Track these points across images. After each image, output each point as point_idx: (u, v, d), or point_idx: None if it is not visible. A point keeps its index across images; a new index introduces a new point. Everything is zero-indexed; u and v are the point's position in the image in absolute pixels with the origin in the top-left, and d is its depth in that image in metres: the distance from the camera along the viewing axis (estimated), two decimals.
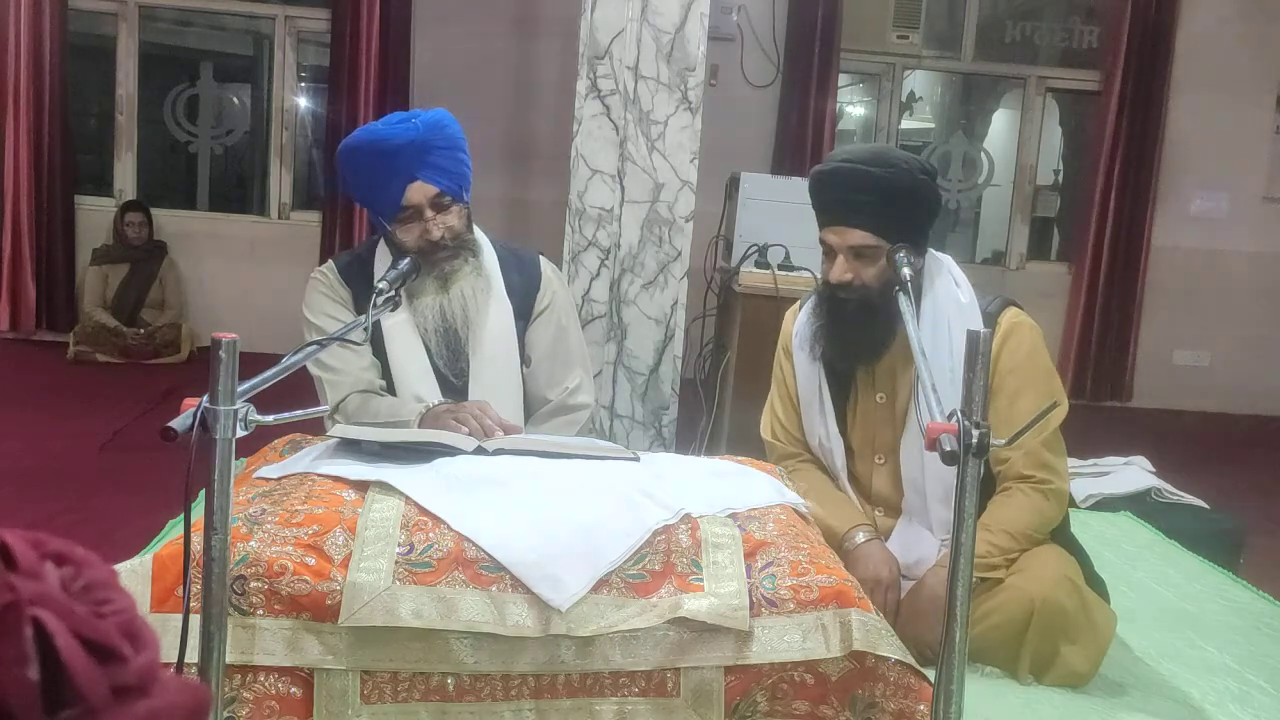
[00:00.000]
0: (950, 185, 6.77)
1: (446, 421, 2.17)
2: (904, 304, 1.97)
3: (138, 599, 1.27)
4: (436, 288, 2.30)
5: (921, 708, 1.66)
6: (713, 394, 3.98)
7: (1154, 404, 6.65)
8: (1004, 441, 1.47)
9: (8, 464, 3.72)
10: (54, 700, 0.46)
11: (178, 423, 1.31)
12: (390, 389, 2.34)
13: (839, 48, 6.42)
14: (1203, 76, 6.52)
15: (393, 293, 2.12)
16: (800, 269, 3.73)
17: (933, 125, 8.33)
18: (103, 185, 6.62)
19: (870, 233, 2.14)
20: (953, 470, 1.43)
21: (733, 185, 4.11)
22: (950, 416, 1.43)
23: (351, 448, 1.97)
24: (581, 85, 3.73)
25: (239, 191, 8.51)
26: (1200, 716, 2.05)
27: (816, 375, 2.31)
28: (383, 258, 2.36)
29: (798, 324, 2.38)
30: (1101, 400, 6.61)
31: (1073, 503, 2.41)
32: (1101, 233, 6.58)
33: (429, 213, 2.27)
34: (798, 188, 4.02)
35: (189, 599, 1.43)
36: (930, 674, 1.62)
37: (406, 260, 2.22)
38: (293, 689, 1.61)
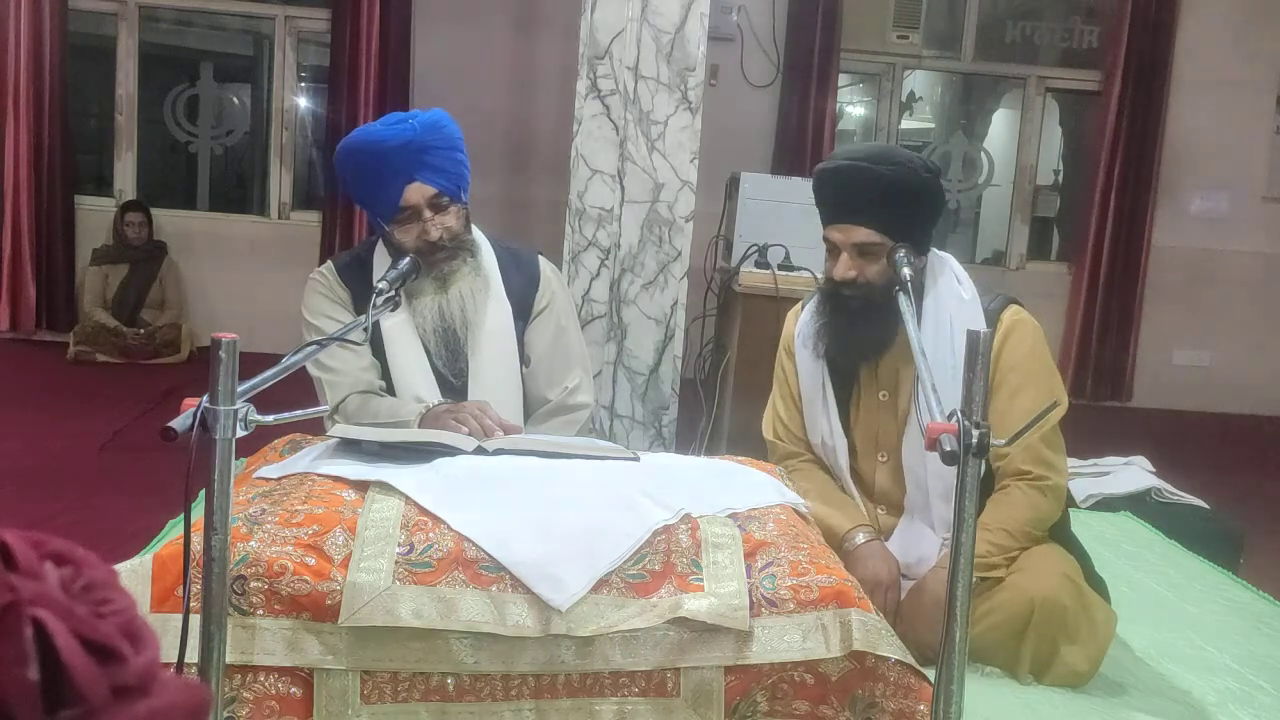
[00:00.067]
0: (950, 185, 6.77)
1: (446, 422, 2.17)
2: (904, 304, 1.98)
3: (138, 599, 1.27)
4: (435, 288, 2.30)
5: (921, 708, 1.66)
6: (713, 394, 3.98)
7: (1154, 404, 6.65)
8: (1004, 441, 1.47)
9: (8, 464, 3.72)
10: (54, 700, 0.46)
11: (178, 423, 1.31)
12: (390, 389, 2.34)
13: (839, 48, 6.42)
14: (1203, 76, 6.52)
15: (393, 293, 2.12)
16: (800, 269, 3.73)
17: (933, 125, 8.33)
18: (103, 185, 6.62)
19: (874, 230, 2.15)
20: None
21: (733, 185, 4.11)
22: (950, 416, 1.43)
23: (351, 448, 1.97)
24: (581, 85, 3.73)
25: (239, 191, 8.51)
26: (1200, 716, 2.05)
27: (820, 373, 2.32)
28: (381, 258, 2.36)
29: (800, 323, 2.38)
30: (1101, 400, 6.61)
31: (1073, 503, 2.41)
32: (1101, 233, 6.58)
33: (427, 213, 2.27)
34: (798, 188, 4.04)
35: (189, 599, 1.43)
36: (930, 674, 1.62)
37: (406, 260, 2.22)
38: (293, 689, 1.61)
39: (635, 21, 3.70)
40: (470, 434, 2.10)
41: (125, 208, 6.11)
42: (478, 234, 2.42)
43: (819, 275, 3.54)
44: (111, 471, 3.74)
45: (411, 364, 2.33)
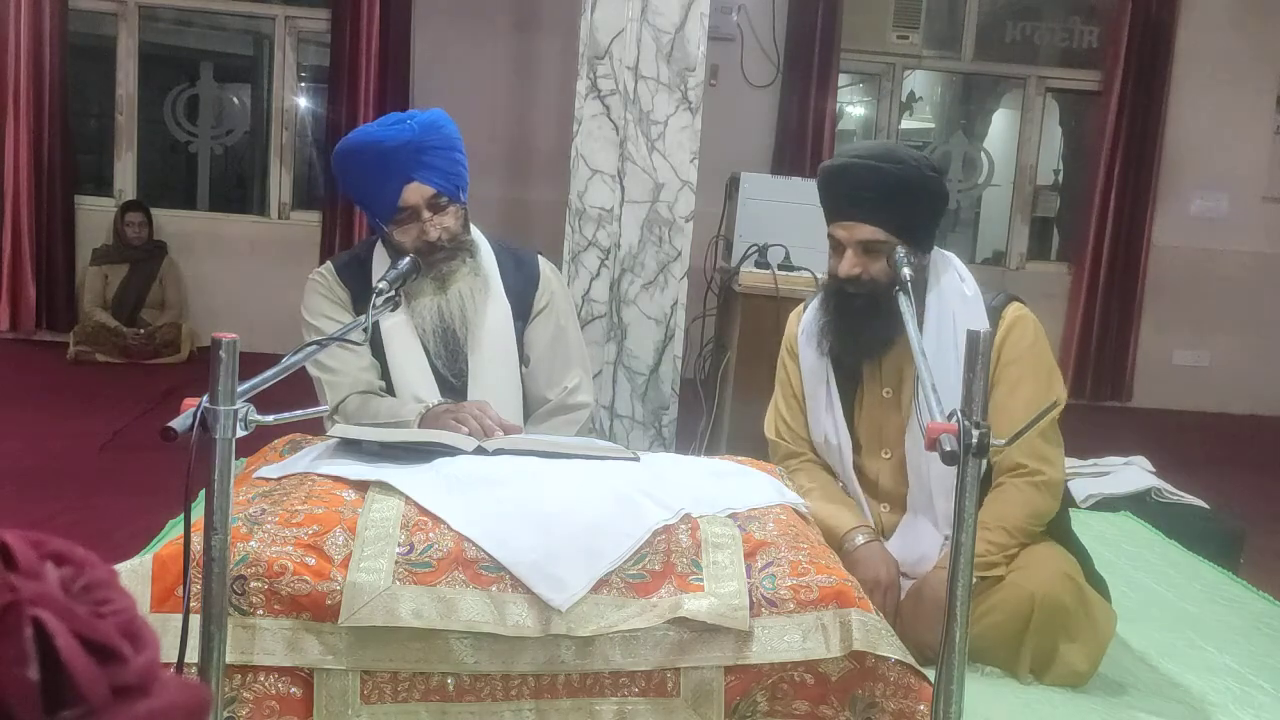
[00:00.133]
0: (950, 185, 6.77)
1: (446, 422, 2.17)
2: (903, 304, 1.99)
3: (138, 599, 1.27)
4: (434, 288, 2.30)
5: (921, 708, 1.66)
6: (713, 394, 3.98)
7: (1154, 404, 6.65)
8: (1004, 441, 1.47)
9: (8, 464, 3.72)
10: (54, 700, 0.46)
11: (178, 423, 1.31)
12: (389, 390, 2.34)
13: (839, 48, 6.42)
14: (1203, 76, 6.52)
15: (392, 293, 2.12)
16: (800, 269, 3.73)
17: (933, 125, 8.33)
18: (103, 185, 6.62)
19: (879, 228, 2.17)
20: None
21: (733, 185, 4.11)
22: (950, 416, 1.43)
23: (351, 448, 1.97)
24: (581, 85, 3.73)
25: (239, 191, 8.51)
26: (1200, 716, 2.05)
27: (824, 370, 2.32)
28: (381, 258, 2.36)
29: (803, 322, 2.39)
30: (1101, 400, 6.61)
31: (1073, 502, 2.41)
32: (1101, 233, 6.58)
33: (426, 214, 2.27)
34: (798, 188, 4.05)
35: (189, 599, 1.43)
36: (930, 674, 1.62)
37: (407, 260, 2.22)
38: (293, 689, 1.61)
39: (635, 21, 3.70)
40: (470, 434, 2.10)
41: (125, 208, 6.11)
42: (477, 234, 2.42)
43: (819, 275, 3.56)
44: (111, 471, 3.74)
45: (411, 364, 2.33)
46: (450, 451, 1.94)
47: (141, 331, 5.93)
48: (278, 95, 6.52)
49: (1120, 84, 6.46)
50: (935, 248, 2.28)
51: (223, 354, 1.34)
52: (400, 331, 2.32)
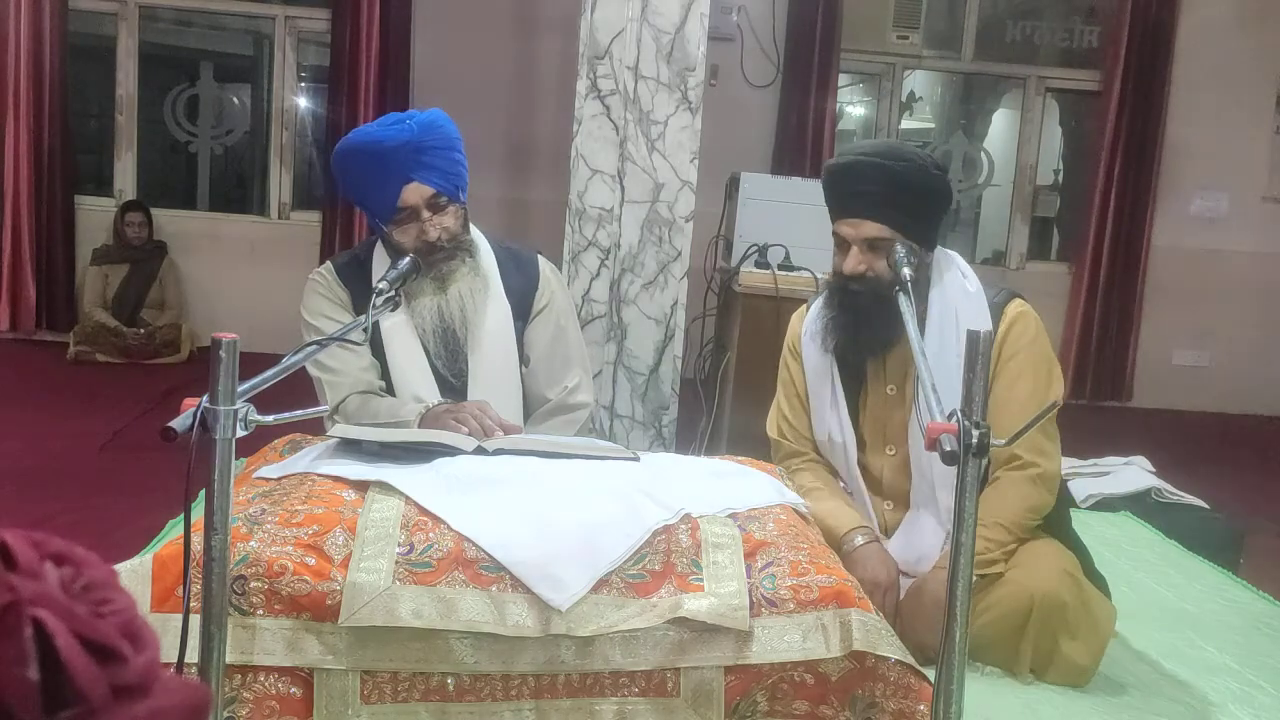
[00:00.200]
0: (951, 185, 6.77)
1: (446, 422, 2.17)
2: (903, 304, 1.99)
3: (138, 599, 1.27)
4: (434, 289, 2.30)
5: (921, 708, 1.66)
6: (713, 394, 3.98)
7: (1154, 404, 6.65)
8: (1004, 441, 1.47)
9: (8, 464, 3.72)
10: (54, 700, 0.46)
11: (178, 423, 1.31)
12: (389, 390, 2.34)
13: (839, 48, 6.41)
14: (1203, 76, 6.52)
15: (392, 293, 2.12)
16: (800, 269, 3.73)
17: (933, 125, 8.33)
18: (103, 185, 6.62)
19: (884, 225, 2.18)
20: None
21: (733, 185, 4.11)
22: (950, 416, 1.43)
23: (351, 448, 1.97)
24: (581, 85, 3.73)
25: (239, 191, 8.51)
26: (1200, 716, 2.05)
27: (828, 368, 2.33)
28: (381, 258, 2.36)
29: (807, 321, 2.39)
30: (1101, 400, 6.61)
31: (1073, 502, 2.41)
32: (1101, 233, 6.58)
33: (425, 214, 2.27)
34: (798, 188, 4.05)
35: (189, 599, 1.43)
36: (930, 674, 1.62)
37: (407, 260, 2.22)
38: (293, 689, 1.61)
39: (635, 21, 3.70)
40: (470, 434, 2.10)
41: (125, 208, 6.11)
42: (476, 234, 2.42)
43: (819, 275, 3.56)
44: (111, 471, 3.74)
45: (411, 364, 2.33)
46: (450, 451, 1.94)
47: (141, 331, 5.93)
48: (278, 95, 6.52)
49: (1120, 84, 6.46)
50: (939, 247, 2.29)
51: (223, 354, 1.34)
52: (400, 331, 2.32)
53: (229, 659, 1.49)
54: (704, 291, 4.30)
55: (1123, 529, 3.28)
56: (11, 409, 4.59)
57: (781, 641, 1.68)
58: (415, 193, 2.25)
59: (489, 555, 1.67)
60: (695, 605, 1.66)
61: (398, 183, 2.24)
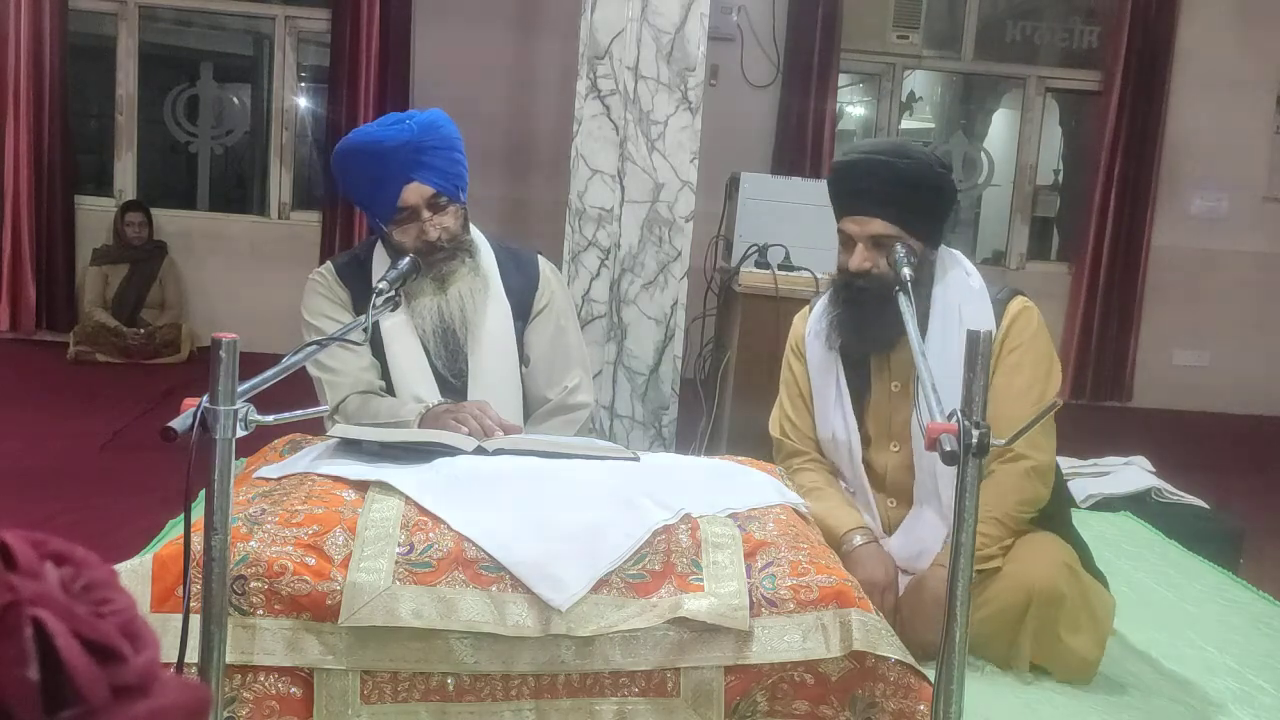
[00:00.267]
0: None
1: (446, 421, 2.17)
2: (903, 304, 2.00)
3: (138, 599, 1.26)
4: (434, 289, 2.30)
5: (921, 708, 1.66)
6: (713, 394, 3.98)
7: (1154, 404, 6.65)
8: (1004, 441, 1.47)
9: (8, 464, 3.72)
10: (54, 700, 0.46)
11: (178, 423, 1.31)
12: (389, 390, 2.34)
13: (839, 48, 6.42)
14: (1203, 76, 6.52)
15: (392, 293, 2.12)
16: (800, 269, 3.73)
17: (933, 125, 8.33)
18: (103, 185, 6.62)
19: (889, 222, 2.20)
20: None
21: (733, 185, 4.10)
22: (950, 416, 1.43)
23: (351, 448, 1.97)
24: (581, 85, 3.73)
25: (239, 191, 8.51)
26: (1200, 716, 2.05)
27: (833, 365, 2.33)
28: (381, 258, 2.36)
29: (811, 319, 2.40)
30: (1101, 400, 6.61)
31: (1073, 502, 2.41)
32: (1101, 233, 6.58)
33: (425, 214, 2.27)
34: (798, 188, 4.05)
35: (189, 599, 1.43)
36: (930, 674, 1.62)
37: (406, 260, 2.22)
38: (293, 689, 1.61)
39: (635, 21, 3.70)
40: (470, 434, 2.10)
41: (125, 208, 6.12)
42: (476, 234, 2.42)
43: (819, 275, 3.56)
44: (111, 471, 3.74)
45: (411, 364, 2.33)
46: (450, 451, 1.94)
47: (141, 331, 5.93)
48: (278, 95, 6.52)
49: (1120, 84, 6.46)
50: (943, 246, 2.30)
51: (223, 354, 1.34)
52: (400, 331, 2.32)
53: (229, 659, 1.49)
54: (704, 291, 4.30)
55: (1123, 529, 3.28)
56: (11, 409, 4.60)
57: (781, 641, 1.68)
58: (415, 193, 2.26)
59: (489, 555, 1.67)
60: (695, 605, 1.66)
61: (398, 183, 2.25)
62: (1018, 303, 2.28)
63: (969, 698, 1.50)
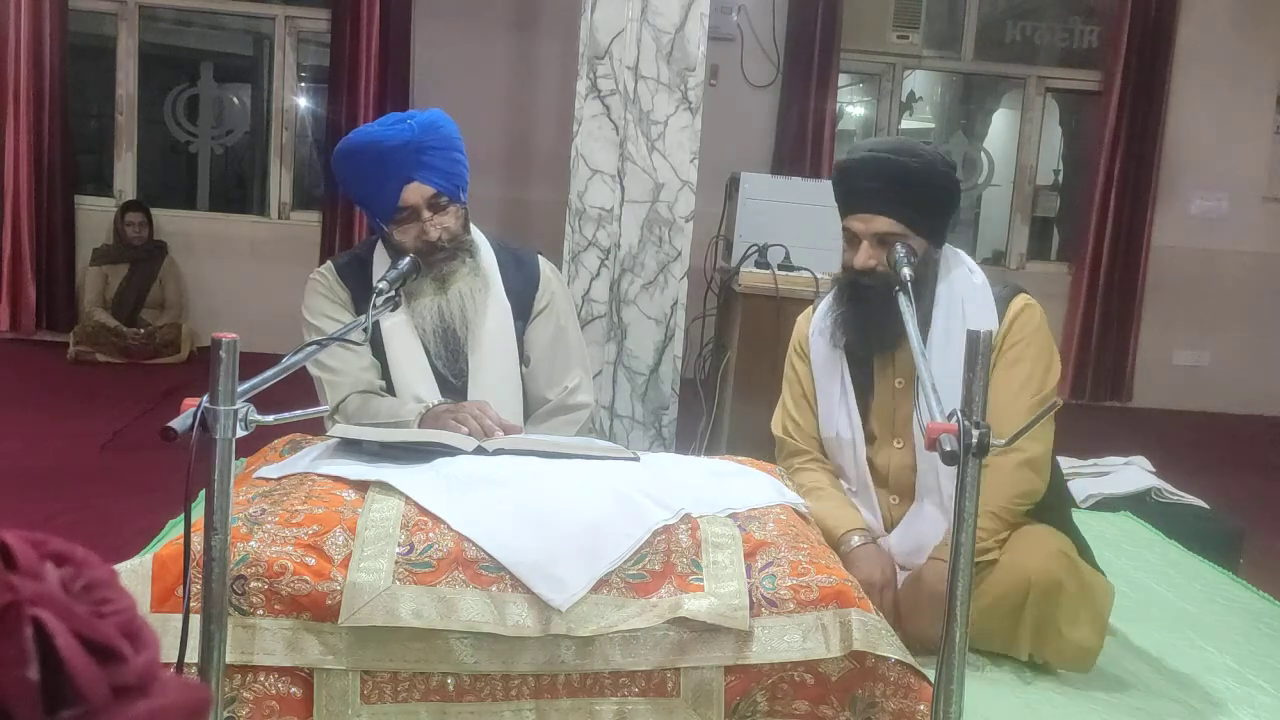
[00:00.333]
0: None
1: (446, 421, 2.17)
2: (903, 304, 2.00)
3: (138, 599, 1.26)
4: (434, 289, 2.30)
5: (921, 708, 1.66)
6: (713, 394, 3.98)
7: (1154, 404, 6.65)
8: (1004, 441, 1.47)
9: (8, 464, 3.72)
10: (54, 700, 0.46)
11: (178, 423, 1.31)
12: (390, 389, 2.34)
13: (839, 48, 6.42)
14: (1203, 76, 6.52)
15: (393, 293, 2.12)
16: (800, 269, 3.73)
17: (933, 125, 8.33)
18: (103, 185, 6.62)
19: (894, 220, 2.21)
20: None
21: (733, 185, 4.11)
22: (950, 416, 1.43)
23: (351, 448, 1.97)
24: (581, 85, 3.73)
25: (239, 191, 8.51)
26: (1200, 716, 2.05)
27: (838, 364, 2.34)
28: (381, 258, 2.36)
29: (815, 318, 2.41)
30: (1101, 400, 6.60)
31: (1073, 502, 2.41)
32: (1101, 233, 6.58)
33: (426, 213, 2.27)
34: (798, 188, 4.05)
35: (189, 599, 1.43)
36: (930, 673, 1.62)
37: (407, 260, 2.22)
38: (293, 689, 1.61)
39: (635, 21, 3.70)
40: (470, 434, 2.10)
41: (125, 208, 6.11)
42: (477, 234, 2.42)
43: (819, 275, 3.56)
44: (111, 471, 3.74)
45: (411, 364, 2.33)
46: (450, 451, 1.94)
47: (141, 331, 5.93)
48: (278, 95, 6.52)
49: (1120, 84, 6.46)
50: (946, 244, 2.31)
51: (223, 354, 1.34)
52: (400, 331, 2.32)
53: (229, 659, 1.49)
54: (704, 291, 4.30)
55: (1123, 529, 3.28)
56: (11, 409, 4.60)
57: (781, 641, 1.68)
58: (416, 192, 2.26)
59: (489, 555, 1.67)
60: (695, 605, 1.66)
61: (398, 182, 2.25)
62: (1020, 300, 2.28)
63: (969, 698, 1.50)
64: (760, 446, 2.54)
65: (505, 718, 1.64)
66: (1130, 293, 6.63)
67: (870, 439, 2.35)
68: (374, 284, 2.15)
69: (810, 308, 2.50)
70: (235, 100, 7.17)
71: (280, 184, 6.53)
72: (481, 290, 2.35)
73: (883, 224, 2.21)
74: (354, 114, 6.11)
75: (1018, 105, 7.05)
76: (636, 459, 2.07)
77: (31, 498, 3.39)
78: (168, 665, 1.09)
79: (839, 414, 2.35)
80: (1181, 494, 3.64)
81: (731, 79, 6.32)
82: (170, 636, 1.47)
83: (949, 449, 1.40)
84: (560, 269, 3.35)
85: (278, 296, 5.53)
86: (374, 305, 2.05)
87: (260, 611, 1.60)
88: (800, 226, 3.79)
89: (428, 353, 2.34)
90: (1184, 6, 6.46)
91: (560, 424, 2.44)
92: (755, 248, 3.83)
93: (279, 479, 1.90)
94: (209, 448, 1.35)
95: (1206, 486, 3.84)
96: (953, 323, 2.21)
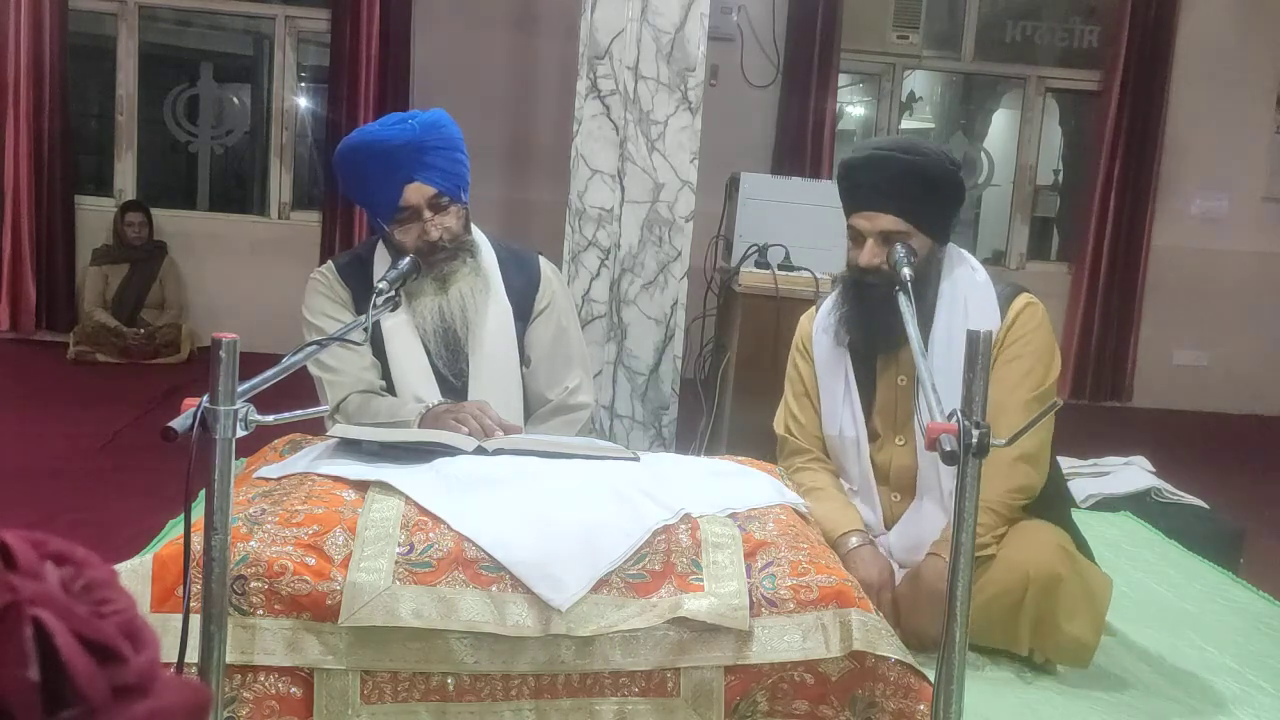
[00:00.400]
0: None
1: (446, 421, 2.17)
2: (903, 304, 2.01)
3: (138, 599, 1.26)
4: (435, 289, 2.30)
5: (921, 708, 1.66)
6: (713, 394, 3.98)
7: (1154, 404, 6.65)
8: (1004, 441, 1.47)
9: (8, 464, 3.72)
10: (54, 700, 0.46)
11: (178, 423, 1.31)
12: (390, 389, 2.34)
13: (839, 48, 6.42)
14: (1203, 76, 6.52)
15: (393, 292, 2.12)
16: (800, 269, 3.73)
17: (933, 125, 8.33)
18: (103, 185, 6.62)
19: (900, 217, 2.21)
20: None
21: (733, 185, 4.11)
22: (950, 416, 1.43)
23: (351, 448, 1.97)
24: (581, 85, 3.73)
25: (239, 191, 8.51)
26: (1200, 716, 2.05)
27: (842, 362, 2.34)
28: (382, 258, 2.36)
29: (819, 317, 2.41)
30: (1101, 400, 6.61)
31: (1073, 502, 2.41)
32: (1101, 233, 6.58)
33: (427, 213, 2.27)
34: (798, 188, 4.05)
35: (189, 599, 1.43)
36: (930, 673, 1.62)
37: (407, 260, 2.22)
38: (293, 689, 1.61)
39: (635, 21, 3.70)
40: (470, 434, 2.10)
41: (125, 208, 6.12)
42: (478, 234, 2.42)
43: (819, 275, 3.56)
44: (111, 471, 3.74)
45: (411, 364, 2.33)
46: (450, 451, 1.94)
47: (141, 331, 5.93)
48: (278, 95, 6.52)
49: (1120, 84, 6.46)
50: (950, 244, 2.32)
51: (223, 354, 1.34)
52: (401, 331, 2.33)
53: (229, 659, 1.49)
54: (704, 291, 4.30)
55: (1123, 529, 3.28)
56: (11, 409, 4.60)
57: (781, 641, 1.68)
58: (417, 192, 2.26)
59: (489, 555, 1.67)
60: (695, 605, 1.66)
61: (400, 182, 2.25)
62: (1023, 299, 2.29)
63: (969, 697, 1.50)
64: (760, 446, 2.54)
65: (505, 718, 1.64)
66: (1130, 293, 6.63)
67: (873, 437, 2.35)
68: (374, 284, 2.15)
69: (814, 308, 2.50)
70: (235, 100, 7.17)
71: (280, 184, 6.53)
72: (482, 290, 2.35)
73: (888, 222, 2.21)
74: (354, 114, 6.11)
75: (1018, 105, 7.05)
76: (636, 459, 2.07)
77: (31, 498, 3.40)
78: (168, 665, 1.09)
79: (842, 412, 2.35)
80: (1181, 494, 3.64)
81: (731, 79, 6.32)
82: (170, 636, 1.47)
83: (949, 449, 1.41)
84: (560, 269, 3.35)
85: (278, 296, 5.54)
86: (374, 305, 2.05)
87: (260, 611, 1.60)
88: (800, 226, 3.79)
89: (428, 353, 2.34)
90: (1184, 6, 6.47)
91: (560, 424, 2.44)
92: (755, 248, 3.83)
93: (279, 479, 1.90)
94: (209, 448, 1.35)
95: (1206, 486, 3.84)
96: (955, 320, 2.21)
